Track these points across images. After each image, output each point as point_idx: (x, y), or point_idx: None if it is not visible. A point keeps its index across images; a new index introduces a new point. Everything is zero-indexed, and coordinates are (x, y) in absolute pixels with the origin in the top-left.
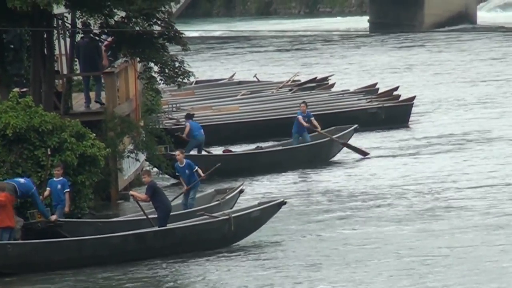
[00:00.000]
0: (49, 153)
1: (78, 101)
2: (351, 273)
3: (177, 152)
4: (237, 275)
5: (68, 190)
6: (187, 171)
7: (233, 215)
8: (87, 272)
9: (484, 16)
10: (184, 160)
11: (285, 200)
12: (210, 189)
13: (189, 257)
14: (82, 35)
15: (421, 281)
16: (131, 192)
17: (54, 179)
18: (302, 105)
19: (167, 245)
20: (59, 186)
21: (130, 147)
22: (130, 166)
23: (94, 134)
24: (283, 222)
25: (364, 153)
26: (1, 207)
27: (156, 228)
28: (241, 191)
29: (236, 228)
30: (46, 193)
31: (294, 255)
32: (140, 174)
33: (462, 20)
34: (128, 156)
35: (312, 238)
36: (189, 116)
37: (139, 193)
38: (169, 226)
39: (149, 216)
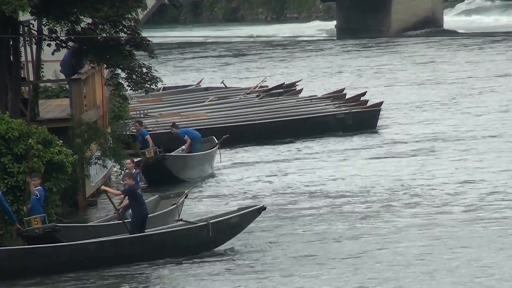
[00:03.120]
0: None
1: (45, 108)
2: (331, 276)
3: (128, 161)
4: (214, 281)
5: (37, 193)
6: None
7: (212, 220)
8: (63, 279)
9: (450, 20)
10: (134, 169)
11: (265, 206)
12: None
13: (166, 263)
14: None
15: (399, 276)
16: (103, 187)
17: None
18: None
19: (144, 251)
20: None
21: (98, 153)
22: (97, 173)
23: (61, 141)
24: (262, 226)
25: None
26: None
27: (133, 235)
28: (186, 196)
29: (215, 234)
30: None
31: (273, 259)
32: (121, 178)
33: (428, 25)
34: (95, 163)
35: (290, 241)
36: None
37: (113, 188)
38: (147, 232)
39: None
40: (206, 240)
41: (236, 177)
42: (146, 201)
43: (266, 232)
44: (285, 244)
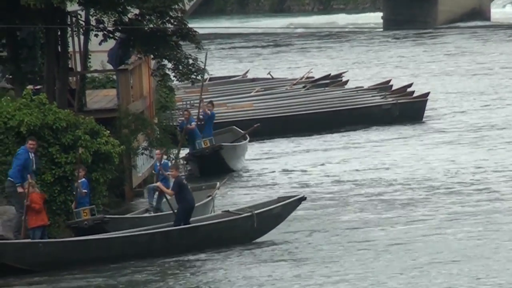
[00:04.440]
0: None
1: (92, 98)
2: (368, 270)
3: (157, 151)
4: (255, 272)
5: (85, 190)
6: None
7: (256, 211)
8: (114, 269)
9: (497, 12)
10: (163, 160)
11: (305, 196)
12: None
13: (211, 253)
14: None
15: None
16: (157, 184)
17: (79, 180)
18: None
19: (192, 242)
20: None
21: (144, 144)
22: (144, 163)
23: (108, 131)
24: (301, 217)
25: None
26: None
27: (181, 226)
28: (219, 187)
29: (258, 225)
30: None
31: (315, 250)
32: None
33: (475, 17)
34: (142, 153)
35: (332, 233)
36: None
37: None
38: (194, 223)
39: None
40: (250, 231)
41: (281, 167)
42: None
43: (312, 220)
44: (332, 232)
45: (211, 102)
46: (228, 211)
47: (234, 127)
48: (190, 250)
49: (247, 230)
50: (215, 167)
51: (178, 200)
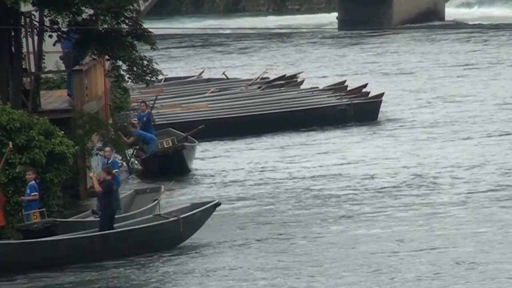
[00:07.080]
0: (10, 147)
1: (46, 99)
2: (306, 268)
3: (107, 149)
4: (180, 277)
5: (36, 193)
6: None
7: (181, 216)
8: (58, 271)
9: (451, 12)
10: (112, 158)
11: (220, 202)
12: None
13: (135, 259)
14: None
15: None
16: (91, 174)
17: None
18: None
19: (126, 246)
20: (28, 191)
21: (99, 144)
22: (98, 164)
23: (63, 132)
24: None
25: None
26: None
27: (119, 229)
28: (163, 192)
29: (184, 229)
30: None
31: (239, 256)
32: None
33: (430, 17)
34: (96, 154)
35: (279, 231)
36: None
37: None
38: (129, 227)
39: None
40: (176, 236)
41: (234, 167)
42: (122, 196)
43: (261, 217)
44: (279, 229)
45: (144, 102)
46: (159, 214)
47: (170, 128)
48: (125, 253)
49: (174, 235)
50: (176, 167)
51: (102, 205)
